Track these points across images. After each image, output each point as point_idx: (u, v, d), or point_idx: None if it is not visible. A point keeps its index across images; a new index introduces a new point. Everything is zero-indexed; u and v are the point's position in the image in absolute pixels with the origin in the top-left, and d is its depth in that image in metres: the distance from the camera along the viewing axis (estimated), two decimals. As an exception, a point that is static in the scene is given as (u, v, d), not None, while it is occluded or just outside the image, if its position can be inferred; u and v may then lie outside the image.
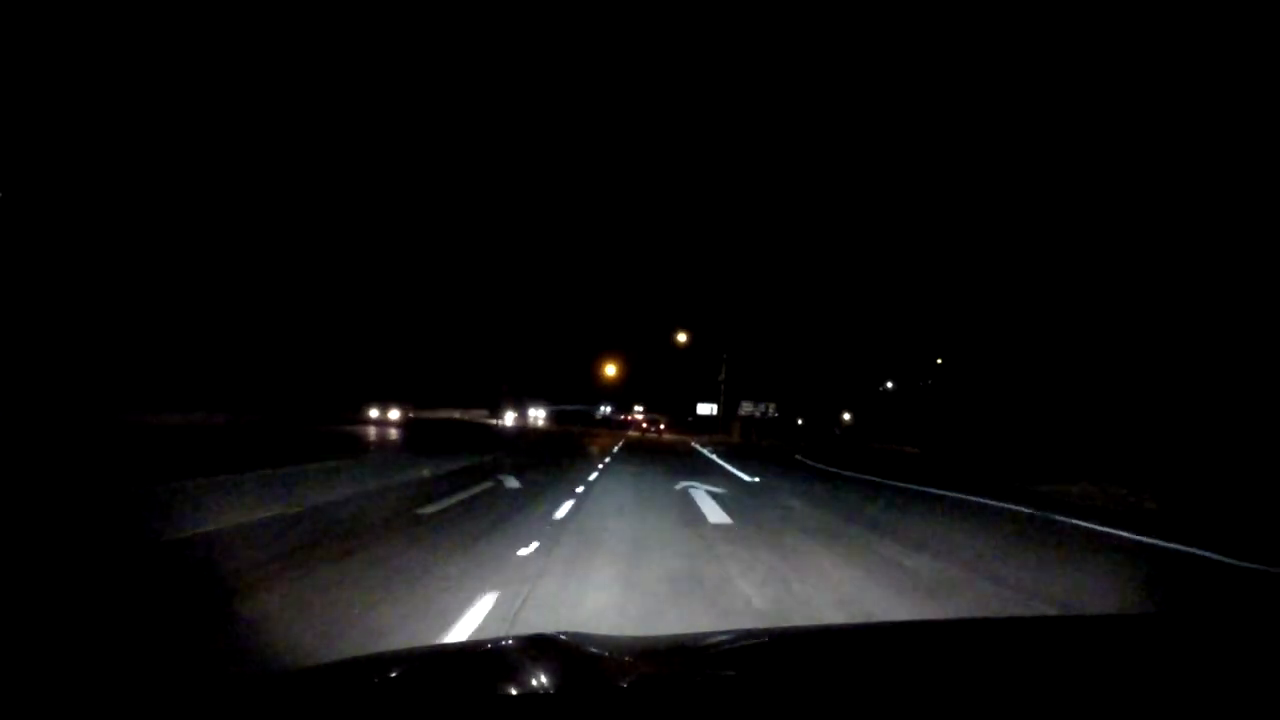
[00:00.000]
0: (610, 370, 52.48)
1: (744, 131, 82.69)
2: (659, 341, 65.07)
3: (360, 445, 18.03)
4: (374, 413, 29.77)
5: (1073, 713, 0.91)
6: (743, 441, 39.96)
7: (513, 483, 10.46)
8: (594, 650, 1.18)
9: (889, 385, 62.56)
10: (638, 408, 70.33)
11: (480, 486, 9.83)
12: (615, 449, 22.78)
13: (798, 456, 24.50)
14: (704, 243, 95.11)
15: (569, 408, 55.85)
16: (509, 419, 41.27)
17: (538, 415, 46.45)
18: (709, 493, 10.24)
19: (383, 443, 19.72)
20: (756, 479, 13.28)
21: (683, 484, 11.44)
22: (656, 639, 1.59)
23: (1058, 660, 1.22)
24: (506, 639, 1.76)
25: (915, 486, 13.02)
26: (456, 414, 41.54)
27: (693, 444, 31.33)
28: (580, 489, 10.06)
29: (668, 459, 19.64)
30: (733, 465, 17.64)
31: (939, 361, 48.75)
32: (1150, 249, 22.85)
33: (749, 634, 1.71)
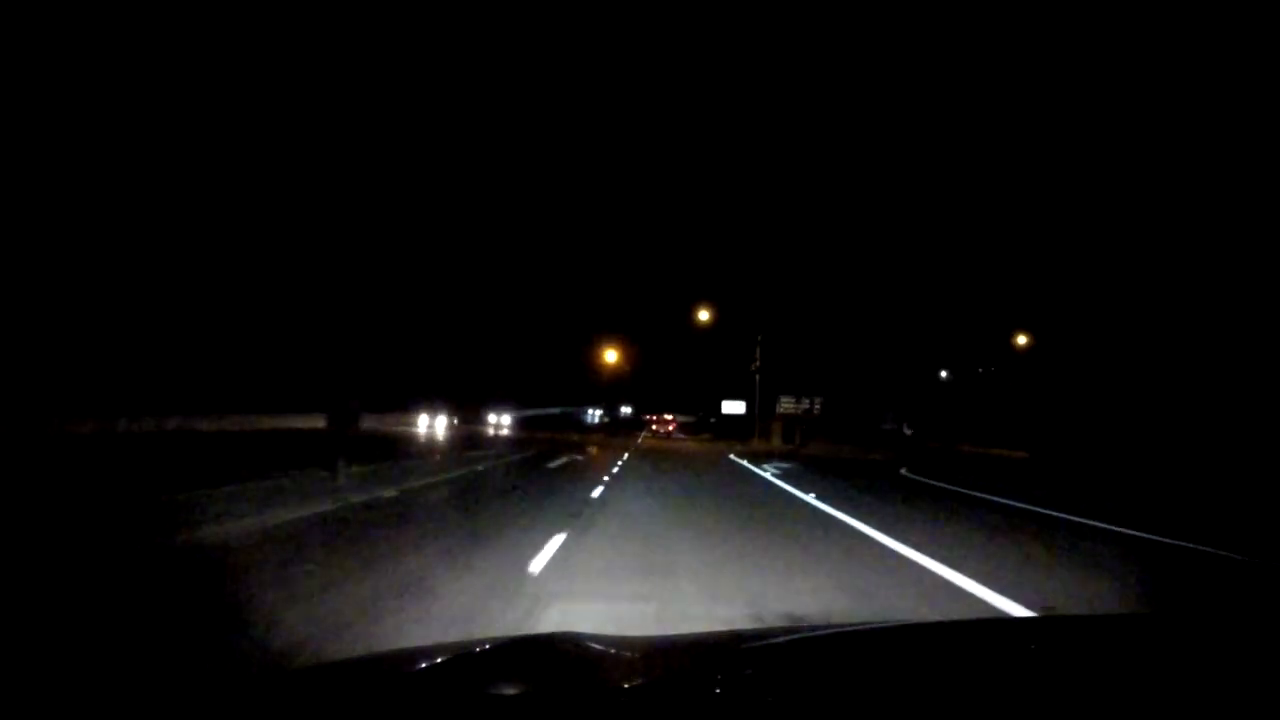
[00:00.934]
0: (606, 363, 41.13)
1: (771, 89, 71.89)
2: (670, 327, 53.85)
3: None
4: None
5: (1073, 713, 0.89)
6: (791, 447, 29.46)
7: None
8: (594, 650, 1.17)
9: (944, 374, 53.85)
10: (625, 408, 58.83)
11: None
12: (599, 489, 11.36)
13: (903, 471, 17.68)
14: (729, 207, 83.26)
15: (547, 411, 43.82)
16: (438, 426, 30.06)
17: (501, 421, 35.17)
18: None
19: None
20: None
21: None
22: (657, 639, 1.43)
23: (1058, 660, 1.19)
24: (507, 639, 1.71)
25: None
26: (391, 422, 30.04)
27: (731, 456, 22.51)
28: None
29: (715, 505, 8.73)
30: (889, 533, 6.56)
31: (1020, 342, 41.33)
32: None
33: (751, 635, 1.55)
